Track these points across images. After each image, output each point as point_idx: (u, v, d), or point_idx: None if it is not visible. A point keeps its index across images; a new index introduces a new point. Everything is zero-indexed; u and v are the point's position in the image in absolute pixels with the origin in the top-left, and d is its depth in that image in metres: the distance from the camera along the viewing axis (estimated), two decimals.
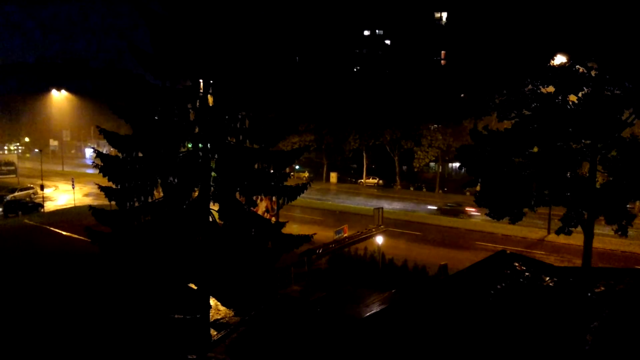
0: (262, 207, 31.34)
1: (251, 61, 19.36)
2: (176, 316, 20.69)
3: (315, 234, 20.92)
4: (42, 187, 48.10)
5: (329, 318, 21.20)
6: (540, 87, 22.98)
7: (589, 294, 8.68)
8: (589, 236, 23.51)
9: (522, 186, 23.36)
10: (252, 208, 19.98)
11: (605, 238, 34.37)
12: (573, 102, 22.46)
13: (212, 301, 21.19)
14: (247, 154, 18.59)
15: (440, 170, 69.57)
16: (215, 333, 20.47)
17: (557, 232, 23.50)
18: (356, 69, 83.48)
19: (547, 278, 9.70)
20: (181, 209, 18.04)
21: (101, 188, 18.05)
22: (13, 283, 25.41)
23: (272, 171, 18.87)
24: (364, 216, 42.69)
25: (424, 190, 66.73)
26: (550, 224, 38.62)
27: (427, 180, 70.35)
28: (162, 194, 18.21)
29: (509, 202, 23.46)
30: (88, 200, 46.09)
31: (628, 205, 26.19)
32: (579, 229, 23.61)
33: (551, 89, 22.90)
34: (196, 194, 18.51)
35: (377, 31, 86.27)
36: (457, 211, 45.68)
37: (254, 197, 19.88)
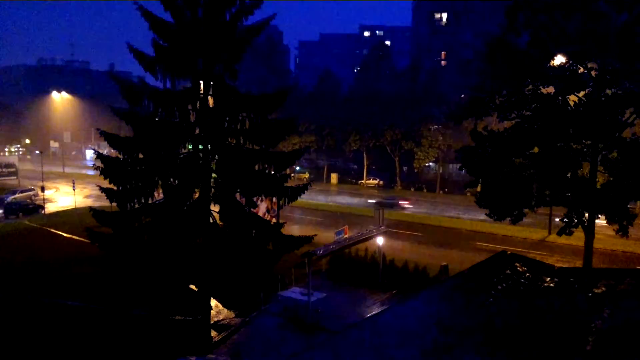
0: (262, 208, 31.37)
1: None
2: (177, 317, 20.73)
3: (315, 235, 20.92)
4: (42, 189, 48.11)
5: (328, 319, 21.23)
6: (541, 87, 22.96)
7: (590, 294, 8.68)
8: (589, 236, 23.49)
9: (522, 187, 23.32)
10: (252, 209, 20.01)
11: (606, 238, 34.36)
12: (574, 102, 22.43)
13: (213, 302, 21.21)
14: (248, 155, 18.60)
15: (440, 170, 69.57)
16: (216, 334, 20.47)
17: (559, 233, 23.44)
18: (356, 69, 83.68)
19: (548, 278, 9.71)
20: (182, 210, 18.06)
21: (102, 189, 18.11)
22: (13, 284, 25.42)
23: (272, 172, 18.88)
24: (365, 217, 42.70)
25: (425, 191, 66.73)
26: (551, 224, 38.66)
27: (428, 181, 70.38)
28: (162, 195, 18.23)
29: (509, 202, 23.43)
30: (89, 202, 46.08)
31: (629, 206, 26.15)
32: (579, 229, 23.58)
33: (551, 89, 22.88)
34: (197, 195, 18.53)
35: (377, 32, 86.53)
36: (392, 204, 52.71)
37: (255, 198, 19.92)
